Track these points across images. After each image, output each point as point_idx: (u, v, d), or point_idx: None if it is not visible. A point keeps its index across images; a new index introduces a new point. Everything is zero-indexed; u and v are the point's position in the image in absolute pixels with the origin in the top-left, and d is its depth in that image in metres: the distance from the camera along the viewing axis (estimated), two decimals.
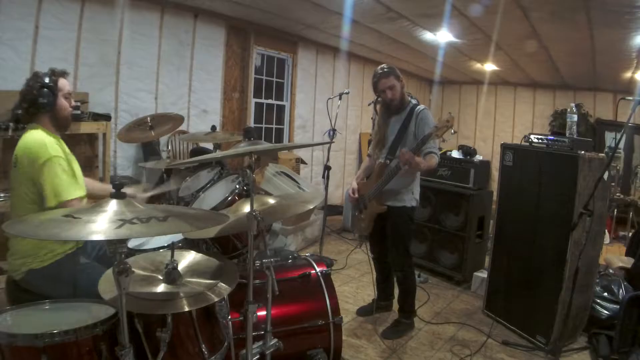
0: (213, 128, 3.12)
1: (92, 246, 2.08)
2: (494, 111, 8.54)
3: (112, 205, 1.27)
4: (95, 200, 1.60)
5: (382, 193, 2.73)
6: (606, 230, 4.91)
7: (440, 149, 3.89)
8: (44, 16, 3.46)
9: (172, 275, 1.47)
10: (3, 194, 2.89)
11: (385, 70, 2.67)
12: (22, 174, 1.79)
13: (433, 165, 2.57)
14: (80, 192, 1.86)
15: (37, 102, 1.88)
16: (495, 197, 3.42)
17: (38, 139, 1.81)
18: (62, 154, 1.85)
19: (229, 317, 1.66)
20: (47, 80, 1.91)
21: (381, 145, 2.83)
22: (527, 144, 2.96)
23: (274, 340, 1.73)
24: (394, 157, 2.70)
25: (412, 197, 2.75)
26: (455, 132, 2.42)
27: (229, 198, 2.37)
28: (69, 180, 1.81)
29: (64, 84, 1.98)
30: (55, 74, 1.95)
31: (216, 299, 1.44)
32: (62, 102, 1.97)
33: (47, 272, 1.80)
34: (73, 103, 2.07)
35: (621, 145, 6.12)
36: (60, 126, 1.99)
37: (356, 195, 2.87)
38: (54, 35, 3.53)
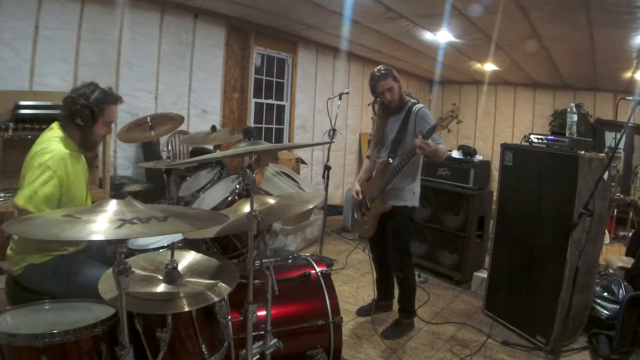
0: (213, 128, 3.13)
1: (97, 248, 2.06)
2: (494, 111, 8.54)
3: (112, 205, 1.27)
4: None
5: (385, 192, 2.73)
6: (606, 230, 4.91)
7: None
8: (44, 16, 3.46)
9: (172, 275, 1.47)
10: (3, 194, 2.89)
11: (382, 72, 2.67)
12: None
13: (443, 152, 2.59)
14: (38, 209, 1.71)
15: (74, 120, 1.85)
16: (495, 197, 3.42)
17: (49, 144, 1.80)
18: (62, 172, 1.78)
19: (229, 317, 1.66)
20: (95, 101, 1.85)
21: (380, 146, 2.83)
22: (527, 144, 2.96)
23: (274, 340, 1.73)
24: (396, 155, 2.70)
25: (412, 197, 2.74)
26: (460, 121, 2.41)
27: (229, 198, 2.37)
28: (41, 193, 1.71)
29: (111, 112, 1.93)
30: (108, 100, 1.90)
31: (216, 299, 1.44)
32: (99, 128, 1.92)
33: (47, 268, 1.80)
34: (111, 131, 2.02)
35: (621, 145, 6.11)
36: (85, 147, 1.96)
37: (360, 197, 2.86)
38: (54, 35, 3.54)
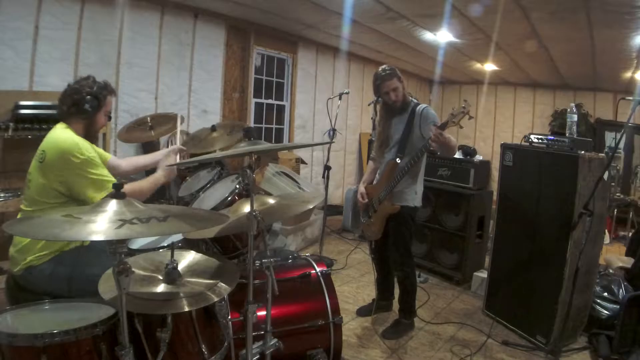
0: (213, 127, 3.12)
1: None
2: (494, 111, 8.54)
3: (112, 205, 1.27)
4: None
5: (393, 194, 2.72)
6: (606, 230, 4.91)
7: None
8: (44, 16, 3.45)
9: (172, 275, 1.47)
10: (3, 194, 2.89)
11: (387, 72, 2.65)
12: (50, 169, 1.79)
13: (455, 144, 2.54)
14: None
15: (82, 107, 1.92)
16: (495, 197, 3.42)
17: (69, 138, 1.84)
18: (94, 152, 1.91)
19: (229, 317, 1.66)
20: (98, 89, 1.97)
21: (384, 147, 2.82)
22: (527, 144, 2.96)
23: (274, 340, 1.73)
24: (403, 155, 2.69)
25: (414, 197, 2.74)
26: (472, 117, 2.39)
27: (229, 198, 2.37)
28: (106, 172, 1.87)
29: (110, 102, 2.06)
30: (107, 90, 2.03)
31: (216, 299, 1.44)
32: (101, 117, 2.03)
33: (46, 268, 1.80)
34: (108, 122, 2.19)
35: (621, 145, 6.11)
36: (89, 137, 2.01)
37: (366, 200, 2.85)
38: (54, 35, 3.53)
